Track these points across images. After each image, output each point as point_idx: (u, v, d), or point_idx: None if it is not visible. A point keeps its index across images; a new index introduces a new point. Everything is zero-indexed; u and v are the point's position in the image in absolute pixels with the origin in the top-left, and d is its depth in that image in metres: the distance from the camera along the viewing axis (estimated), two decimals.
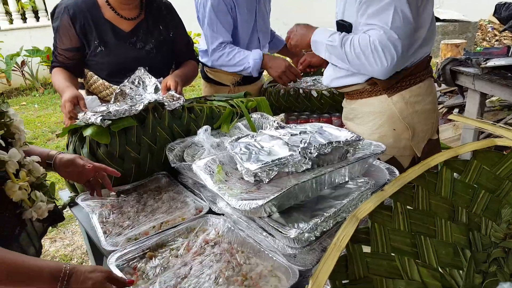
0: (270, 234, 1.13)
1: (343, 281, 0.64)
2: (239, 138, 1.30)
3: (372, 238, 0.68)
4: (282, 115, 2.37)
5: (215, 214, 1.34)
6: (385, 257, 0.70)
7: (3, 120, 0.87)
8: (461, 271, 0.78)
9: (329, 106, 2.15)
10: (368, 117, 1.54)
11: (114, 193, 1.51)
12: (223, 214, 1.31)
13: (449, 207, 0.83)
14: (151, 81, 1.74)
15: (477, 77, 2.29)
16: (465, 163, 0.84)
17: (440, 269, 0.75)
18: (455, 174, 0.84)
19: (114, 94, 1.73)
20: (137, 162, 1.53)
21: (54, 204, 0.98)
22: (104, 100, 1.91)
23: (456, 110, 3.06)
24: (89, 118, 1.46)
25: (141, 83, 1.77)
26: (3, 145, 0.89)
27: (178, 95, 1.60)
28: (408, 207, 0.76)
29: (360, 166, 1.24)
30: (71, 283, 0.90)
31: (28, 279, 0.87)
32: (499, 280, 0.65)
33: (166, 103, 1.53)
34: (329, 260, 0.55)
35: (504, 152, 0.87)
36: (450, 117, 0.91)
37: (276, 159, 1.14)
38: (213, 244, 1.22)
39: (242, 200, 1.07)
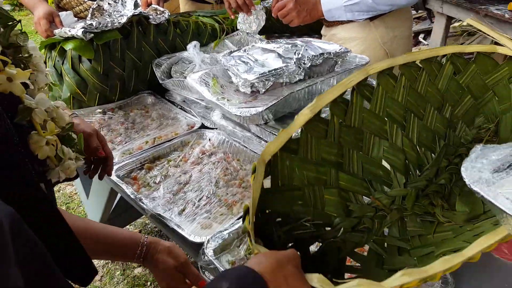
0: (265, 141, 1.17)
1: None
2: (231, 52, 1.30)
3: (301, 146, 0.72)
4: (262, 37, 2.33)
5: (208, 129, 1.36)
6: (312, 164, 0.74)
7: (20, 55, 0.66)
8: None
9: (308, 28, 2.13)
10: (349, 43, 1.53)
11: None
12: (216, 128, 1.34)
13: (439, 100, 0.89)
14: None
15: (445, 1, 2.34)
16: (466, 63, 0.90)
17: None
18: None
19: (90, 9, 1.62)
20: (122, 79, 1.49)
21: (83, 161, 0.74)
22: (78, 17, 1.79)
23: (422, 35, 3.15)
24: (69, 31, 1.37)
25: None
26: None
27: (162, 9, 1.53)
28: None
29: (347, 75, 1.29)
30: (147, 258, 0.85)
31: (113, 248, 0.84)
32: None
33: (151, 16, 1.46)
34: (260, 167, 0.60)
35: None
36: (467, 21, 0.95)
37: (273, 70, 1.16)
38: (209, 154, 1.26)
39: (242, 108, 1.09)
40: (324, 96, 0.72)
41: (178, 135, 1.34)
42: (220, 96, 1.17)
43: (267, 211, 0.68)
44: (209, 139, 1.31)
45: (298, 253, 0.58)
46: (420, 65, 0.86)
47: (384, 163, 0.82)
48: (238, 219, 1.01)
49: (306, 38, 1.42)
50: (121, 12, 1.65)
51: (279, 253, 0.55)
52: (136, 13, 1.46)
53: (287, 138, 0.67)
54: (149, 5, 1.66)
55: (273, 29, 2.18)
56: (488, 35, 0.87)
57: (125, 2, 1.67)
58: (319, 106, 0.70)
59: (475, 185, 0.56)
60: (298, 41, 1.33)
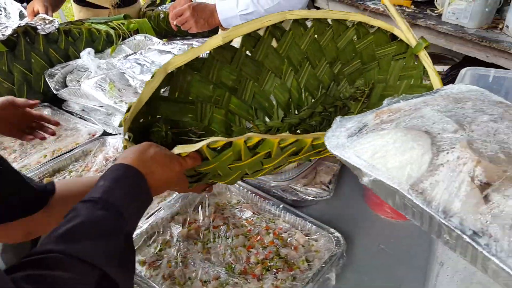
0: None
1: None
2: (127, 55, 1.30)
3: (205, 66, 0.83)
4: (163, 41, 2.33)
5: (110, 135, 1.34)
6: (210, 84, 0.86)
7: None
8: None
9: (209, 31, 2.19)
10: None
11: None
12: (119, 134, 1.32)
13: (334, 56, 1.02)
14: (13, 7, 1.56)
15: None
16: (367, 32, 1.02)
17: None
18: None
19: None
20: (12, 93, 1.41)
21: None
22: None
23: None
24: None
25: (1, 9, 1.56)
26: None
27: (51, 18, 1.47)
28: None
29: None
30: None
31: None
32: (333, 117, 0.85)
33: (39, 27, 1.40)
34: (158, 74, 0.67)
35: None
36: (383, 1, 1.10)
37: None
38: (114, 160, 1.25)
39: None
40: (239, 28, 0.78)
41: (78, 145, 1.31)
42: (118, 100, 1.16)
43: (158, 116, 0.76)
44: (112, 146, 1.29)
45: None
46: (331, 23, 0.97)
47: (272, 97, 0.94)
48: (147, 218, 1.02)
49: (203, 39, 1.47)
50: (5, 24, 1.56)
51: (140, 144, 0.63)
52: (21, 24, 1.39)
53: (194, 56, 0.72)
54: (36, 14, 1.58)
55: (173, 32, 2.19)
56: (394, 17, 0.98)
57: (9, 13, 1.57)
58: (232, 36, 0.76)
59: (334, 149, 0.64)
60: (194, 42, 1.38)
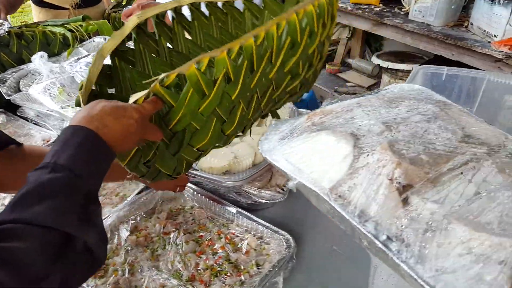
0: None
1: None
2: (79, 58, 1.26)
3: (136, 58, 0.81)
4: None
5: None
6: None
7: None
8: None
9: None
10: None
11: None
12: None
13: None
14: None
15: None
16: None
17: None
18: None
19: None
20: None
21: None
22: None
23: None
24: None
25: None
26: None
27: (1, 20, 1.43)
28: None
29: None
30: None
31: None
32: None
33: None
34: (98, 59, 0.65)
35: None
36: None
37: None
38: None
39: None
40: (152, 9, 0.77)
41: None
42: (65, 104, 1.13)
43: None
44: None
45: None
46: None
47: None
48: None
49: None
50: None
51: (89, 103, 0.61)
52: None
53: (121, 39, 0.70)
54: None
55: None
56: None
57: None
58: (146, 15, 0.75)
59: (265, 153, 0.63)
60: None
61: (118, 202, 1.11)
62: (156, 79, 0.61)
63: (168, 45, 0.88)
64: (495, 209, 0.46)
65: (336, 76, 2.96)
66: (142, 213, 1.08)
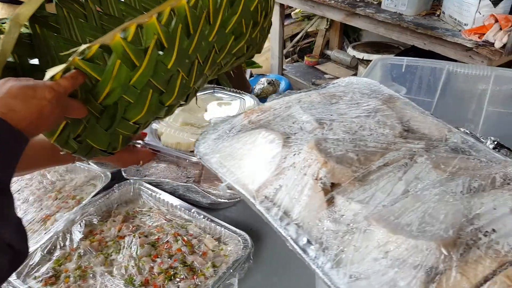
0: None
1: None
2: None
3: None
4: None
5: None
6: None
7: None
8: None
9: None
10: None
11: None
12: None
13: None
14: None
15: None
16: None
17: None
18: None
19: None
20: None
21: None
22: None
23: None
24: None
25: None
26: None
27: None
28: None
29: None
30: None
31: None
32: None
33: None
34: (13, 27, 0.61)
35: None
36: None
37: None
38: None
39: None
40: None
41: None
42: None
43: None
44: None
45: None
46: None
47: None
48: (46, 232, 0.97)
49: None
50: None
51: None
52: None
53: (38, 3, 0.65)
54: None
55: None
56: None
57: None
58: None
59: (199, 154, 0.61)
60: None
61: (75, 205, 1.08)
62: (75, 51, 0.55)
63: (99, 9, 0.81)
64: (418, 208, 0.44)
65: (315, 68, 2.94)
66: (98, 216, 1.05)
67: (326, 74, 2.83)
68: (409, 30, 1.83)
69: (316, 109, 0.62)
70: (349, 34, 3.00)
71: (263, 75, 2.78)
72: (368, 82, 0.77)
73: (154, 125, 1.15)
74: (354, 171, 0.50)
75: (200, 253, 0.95)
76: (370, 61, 2.28)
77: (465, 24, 1.68)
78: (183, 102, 0.71)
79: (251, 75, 3.10)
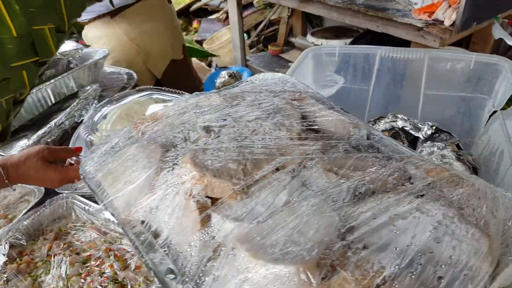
0: None
1: None
2: None
3: None
4: None
5: None
6: None
7: None
8: None
9: None
10: (98, 42, 1.47)
11: None
12: None
13: None
14: None
15: None
16: None
17: None
18: None
19: None
20: None
21: None
22: None
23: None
24: None
25: None
26: None
27: None
28: None
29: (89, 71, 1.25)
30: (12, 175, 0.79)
31: None
32: None
33: None
34: None
35: None
36: None
37: None
38: None
39: None
40: None
41: None
42: None
43: None
44: None
45: None
46: None
47: None
48: None
49: None
50: None
51: None
52: None
53: None
54: None
55: None
56: None
57: None
58: None
59: (82, 172, 0.55)
60: None
61: (5, 225, 1.02)
62: None
63: None
64: (289, 224, 0.40)
65: (279, 57, 2.88)
66: (27, 236, 0.99)
67: (291, 62, 2.77)
68: (361, 13, 1.78)
69: (211, 114, 0.58)
70: (311, 20, 2.95)
71: (225, 68, 2.71)
72: (282, 78, 0.73)
73: (89, 137, 1.09)
74: (235, 183, 0.46)
75: (133, 267, 0.90)
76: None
77: (415, 3, 1.64)
78: None
79: (215, 68, 3.04)
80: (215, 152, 0.48)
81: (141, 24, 1.44)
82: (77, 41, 2.01)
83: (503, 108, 0.88)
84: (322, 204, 0.42)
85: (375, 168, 0.49)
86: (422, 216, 0.39)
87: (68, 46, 1.23)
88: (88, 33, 1.50)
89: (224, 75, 2.66)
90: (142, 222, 0.46)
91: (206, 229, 0.43)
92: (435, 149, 0.87)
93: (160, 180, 0.46)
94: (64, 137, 1.19)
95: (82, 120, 1.16)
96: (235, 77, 2.65)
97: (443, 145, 0.87)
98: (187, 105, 0.61)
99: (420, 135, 0.93)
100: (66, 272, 0.90)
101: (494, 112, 0.89)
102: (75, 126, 1.19)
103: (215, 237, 0.42)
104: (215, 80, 2.62)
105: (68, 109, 1.14)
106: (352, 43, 2.10)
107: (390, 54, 0.95)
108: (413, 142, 0.99)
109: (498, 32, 1.73)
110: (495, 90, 0.90)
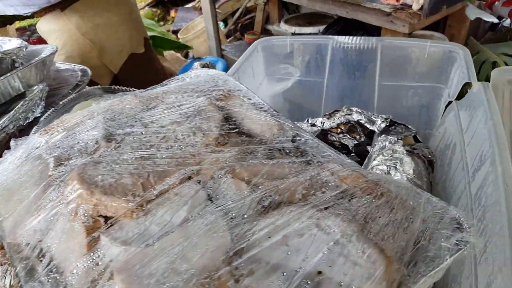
0: None
1: None
2: None
3: None
4: None
5: None
6: None
7: None
8: None
9: None
10: (51, 36, 1.41)
11: None
12: None
13: None
14: None
15: None
16: None
17: None
18: None
19: None
20: None
21: None
22: None
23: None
24: None
25: None
26: None
27: None
28: None
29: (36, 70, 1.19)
30: None
31: None
32: None
33: None
34: None
35: None
36: None
37: None
38: None
39: None
40: None
41: None
42: None
43: None
44: None
45: None
46: None
47: None
48: None
49: None
50: None
51: None
52: None
53: None
54: None
55: None
56: None
57: None
58: None
59: None
60: None
61: None
62: None
63: None
64: (175, 249, 0.36)
65: None
66: None
67: None
68: None
69: (121, 119, 0.53)
70: (288, 7, 2.88)
71: (199, 59, 2.65)
72: (215, 75, 0.68)
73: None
74: (129, 200, 0.42)
75: None
76: (302, 34, 2.18)
77: None
78: None
79: (192, 59, 2.97)
80: (109, 165, 0.44)
81: (93, 18, 1.37)
82: (28, 38, 1.94)
83: (459, 98, 0.85)
84: (218, 222, 0.38)
85: (292, 175, 0.45)
86: (319, 233, 0.35)
87: (12, 44, 1.17)
88: (41, 27, 1.44)
89: (197, 66, 2.60)
90: (27, 245, 0.42)
91: (92, 254, 0.39)
92: (387, 143, 0.83)
93: (46, 199, 0.42)
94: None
95: (27, 123, 1.11)
96: (208, 68, 2.60)
97: (395, 139, 0.83)
98: (97, 109, 0.57)
99: (375, 128, 0.90)
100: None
101: (450, 102, 0.85)
102: (22, 129, 1.14)
103: (99, 264, 0.38)
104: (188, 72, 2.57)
105: (12, 112, 1.08)
106: (325, 30, 2.05)
107: (341, 44, 0.90)
108: (370, 135, 0.95)
109: (472, 12, 1.69)
110: (451, 78, 0.87)
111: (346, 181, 0.43)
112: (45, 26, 1.40)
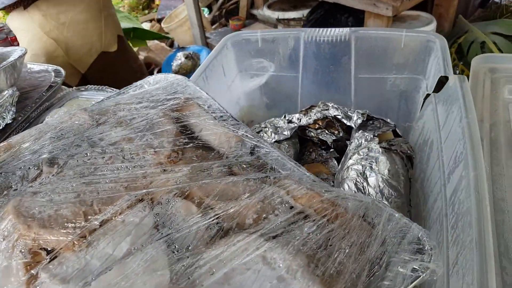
0: None
1: None
2: None
3: None
4: None
5: None
6: None
7: None
8: None
9: None
10: (19, 34, 1.36)
11: None
12: None
13: None
14: None
15: None
16: None
17: None
18: None
19: None
20: None
21: None
22: None
23: None
24: None
25: None
26: None
27: None
28: None
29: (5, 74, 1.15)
30: None
31: None
32: None
33: None
34: None
35: None
36: None
37: None
38: None
39: None
40: None
41: None
42: None
43: None
44: None
45: None
46: None
47: None
48: None
49: None
50: None
51: None
52: None
53: None
54: None
55: None
56: None
57: None
58: None
59: None
60: None
61: None
62: None
63: None
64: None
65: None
66: None
67: None
68: None
69: (68, 138, 0.50)
70: None
71: (183, 48, 2.59)
72: (172, 81, 0.65)
73: None
74: (70, 233, 0.39)
75: None
76: (287, 19, 2.13)
77: None
78: None
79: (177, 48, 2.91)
80: (47, 195, 0.41)
81: (57, 16, 1.32)
82: (6, 36, 1.89)
83: (437, 91, 0.82)
84: (159, 257, 0.36)
85: (246, 195, 0.43)
86: (264, 268, 0.33)
87: None
88: (10, 24, 1.39)
89: (180, 57, 2.55)
90: None
91: None
92: (363, 141, 0.81)
93: None
94: None
95: None
96: (192, 59, 2.54)
97: (371, 136, 0.80)
98: (47, 127, 0.54)
99: (352, 124, 0.87)
100: None
101: (428, 95, 0.83)
102: None
103: None
104: (171, 63, 2.51)
105: None
106: (309, 14, 2.00)
107: (313, 36, 0.87)
108: (349, 131, 0.93)
109: None
110: (428, 70, 0.84)
111: (301, 201, 0.41)
112: (12, 23, 1.35)
